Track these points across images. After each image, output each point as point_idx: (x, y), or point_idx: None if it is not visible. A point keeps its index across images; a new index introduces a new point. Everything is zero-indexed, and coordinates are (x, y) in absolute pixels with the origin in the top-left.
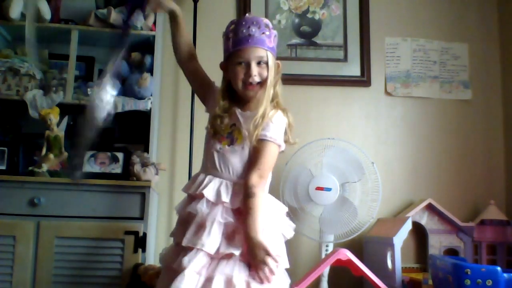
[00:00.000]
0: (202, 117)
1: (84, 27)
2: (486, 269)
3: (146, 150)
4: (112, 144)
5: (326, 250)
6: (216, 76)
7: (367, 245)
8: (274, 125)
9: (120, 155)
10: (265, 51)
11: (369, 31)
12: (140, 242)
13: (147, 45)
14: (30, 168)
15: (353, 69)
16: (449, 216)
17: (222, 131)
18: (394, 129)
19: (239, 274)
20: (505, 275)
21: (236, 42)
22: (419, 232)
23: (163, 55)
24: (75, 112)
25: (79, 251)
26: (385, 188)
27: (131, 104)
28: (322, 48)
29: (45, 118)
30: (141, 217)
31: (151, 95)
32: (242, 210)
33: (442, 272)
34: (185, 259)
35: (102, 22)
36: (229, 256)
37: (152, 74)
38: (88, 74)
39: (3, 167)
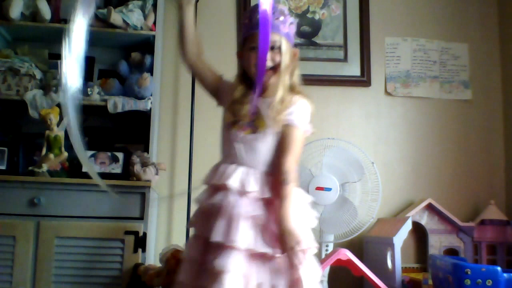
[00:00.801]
0: (202, 117)
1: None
2: (486, 269)
3: (146, 150)
4: (112, 144)
5: (326, 250)
6: None
7: (367, 245)
8: (298, 110)
9: (120, 155)
10: (279, 36)
11: (369, 31)
12: (140, 242)
13: (147, 45)
14: (30, 168)
15: (353, 69)
16: (449, 216)
17: (243, 118)
18: (394, 129)
19: (282, 277)
20: (505, 275)
21: (249, 27)
22: (419, 232)
23: (163, 55)
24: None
25: (79, 251)
26: (385, 188)
27: (131, 104)
28: (322, 48)
29: (45, 118)
30: (141, 217)
31: (151, 95)
32: (273, 198)
33: (442, 272)
34: (222, 261)
35: (102, 22)
36: (267, 256)
37: (152, 74)
38: (88, 74)
39: (3, 167)
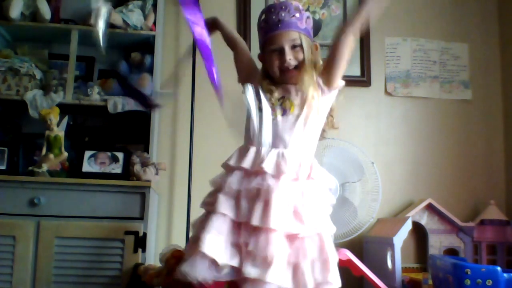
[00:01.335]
0: (202, 117)
1: (84, 27)
2: (486, 269)
3: (146, 150)
4: (112, 144)
5: None
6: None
7: (367, 245)
8: None
9: (120, 155)
10: (297, 33)
11: (369, 31)
12: (140, 242)
13: (147, 45)
14: (30, 168)
15: (353, 69)
16: (449, 216)
17: (271, 105)
18: (394, 129)
19: (306, 257)
20: (505, 275)
21: (267, 30)
22: (419, 232)
23: (163, 55)
24: (75, 112)
25: (79, 251)
26: (385, 188)
27: (131, 104)
28: (322, 48)
29: (45, 118)
30: (141, 217)
31: (151, 95)
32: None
33: (442, 272)
34: (272, 247)
35: None
36: (293, 236)
37: (152, 74)
38: (88, 74)
39: (3, 167)
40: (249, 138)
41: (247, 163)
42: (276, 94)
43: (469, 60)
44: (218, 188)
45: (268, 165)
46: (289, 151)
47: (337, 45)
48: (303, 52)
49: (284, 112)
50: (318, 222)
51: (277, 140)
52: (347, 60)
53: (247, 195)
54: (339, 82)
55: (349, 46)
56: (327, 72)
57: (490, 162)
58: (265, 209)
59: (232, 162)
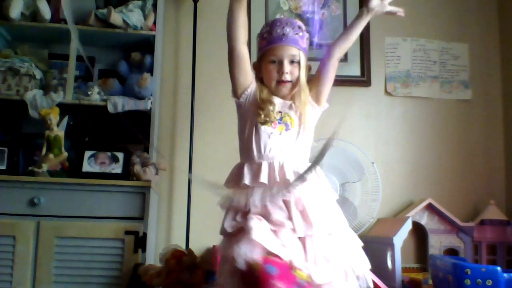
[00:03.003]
0: (202, 117)
1: (84, 27)
2: (486, 269)
3: (146, 150)
4: (112, 144)
5: None
6: (216, 78)
7: (367, 245)
8: None
9: (120, 155)
10: (298, 50)
11: (369, 31)
12: (140, 242)
13: (147, 45)
14: (30, 168)
15: (353, 69)
16: (449, 216)
17: (273, 118)
18: (394, 129)
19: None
20: (505, 275)
21: (270, 41)
22: (419, 232)
23: (163, 55)
24: (75, 112)
25: (79, 251)
26: (385, 188)
27: (131, 104)
28: (322, 48)
29: (45, 118)
30: (141, 217)
31: (151, 95)
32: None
33: (442, 272)
34: (330, 249)
35: (102, 22)
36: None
37: (152, 74)
38: (88, 74)
39: (3, 167)
40: (249, 154)
41: (264, 178)
42: (277, 108)
43: (469, 60)
44: (234, 208)
45: (291, 177)
46: (299, 162)
47: (324, 67)
48: (299, 70)
49: (287, 128)
50: (342, 218)
51: (284, 153)
52: (333, 79)
53: (274, 207)
54: (326, 103)
55: (335, 66)
56: (316, 91)
57: (490, 162)
58: (304, 217)
59: (247, 181)
